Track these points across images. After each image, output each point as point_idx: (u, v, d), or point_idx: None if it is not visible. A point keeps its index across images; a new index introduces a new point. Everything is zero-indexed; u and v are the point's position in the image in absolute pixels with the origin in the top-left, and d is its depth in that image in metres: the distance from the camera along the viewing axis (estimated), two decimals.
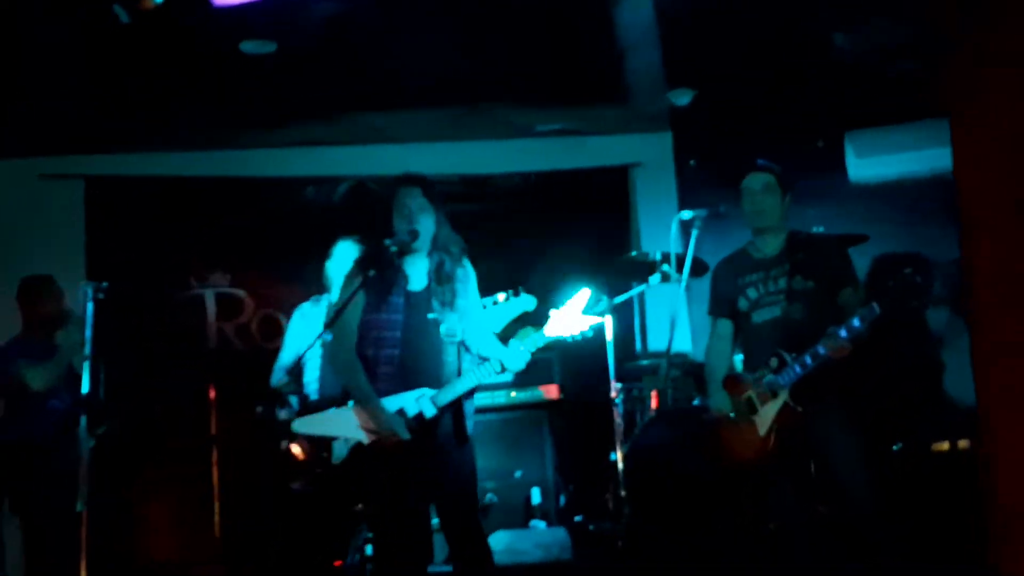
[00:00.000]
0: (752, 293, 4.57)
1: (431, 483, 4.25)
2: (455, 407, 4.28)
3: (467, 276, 4.40)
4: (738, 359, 4.75)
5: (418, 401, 4.21)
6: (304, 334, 5.28)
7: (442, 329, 4.28)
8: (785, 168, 4.64)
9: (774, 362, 4.36)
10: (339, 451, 4.86)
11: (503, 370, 4.33)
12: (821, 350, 4.22)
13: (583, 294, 4.38)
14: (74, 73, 5.96)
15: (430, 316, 4.28)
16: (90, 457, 5.17)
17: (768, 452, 4.36)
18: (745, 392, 4.45)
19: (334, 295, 5.24)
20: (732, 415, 4.47)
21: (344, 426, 4.38)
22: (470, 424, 4.32)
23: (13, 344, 5.78)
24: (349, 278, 4.35)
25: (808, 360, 4.25)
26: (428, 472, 4.24)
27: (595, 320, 4.40)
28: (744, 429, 4.43)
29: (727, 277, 4.72)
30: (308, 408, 5.08)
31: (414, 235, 4.26)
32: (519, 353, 4.31)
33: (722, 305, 4.75)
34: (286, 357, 5.32)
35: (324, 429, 4.61)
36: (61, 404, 5.62)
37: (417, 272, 4.35)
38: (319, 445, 4.87)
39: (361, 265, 4.33)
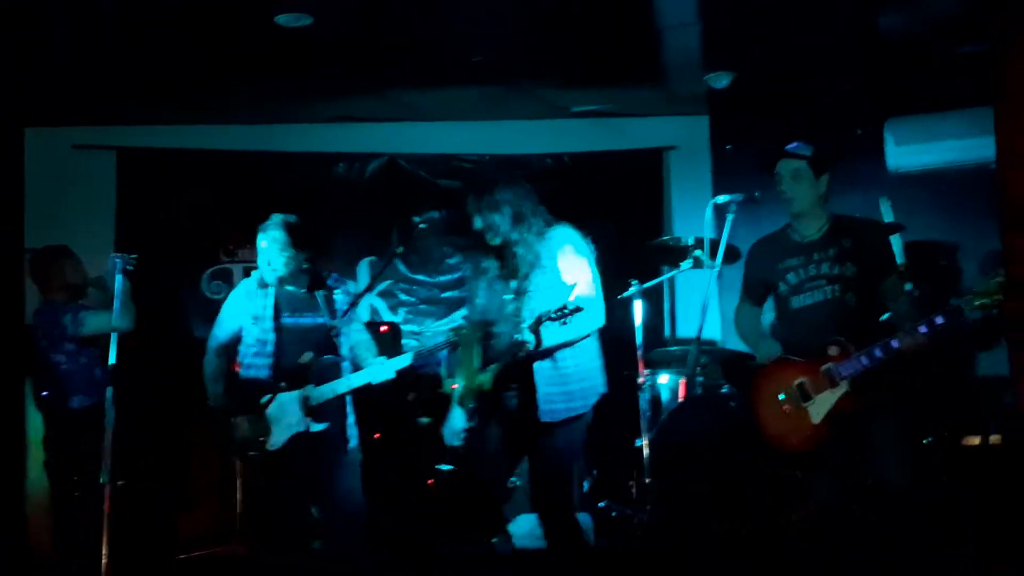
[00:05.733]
0: (792, 278, 4.45)
1: None
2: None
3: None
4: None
5: None
6: (244, 311, 5.14)
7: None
8: (820, 151, 4.50)
9: (834, 350, 4.23)
10: (277, 438, 4.96)
11: None
12: (895, 344, 4.07)
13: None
14: (109, 44, 5.94)
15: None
16: (115, 430, 5.14)
17: (818, 440, 4.26)
18: (798, 377, 4.33)
19: (263, 271, 5.16)
20: (781, 396, 4.37)
21: None
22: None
23: (46, 309, 5.67)
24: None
25: (878, 353, 4.11)
26: None
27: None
28: (793, 415, 4.32)
29: (763, 260, 4.61)
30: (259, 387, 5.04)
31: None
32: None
33: (754, 288, 4.66)
34: (222, 334, 5.20)
35: None
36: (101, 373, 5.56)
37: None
38: (259, 429, 4.95)
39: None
